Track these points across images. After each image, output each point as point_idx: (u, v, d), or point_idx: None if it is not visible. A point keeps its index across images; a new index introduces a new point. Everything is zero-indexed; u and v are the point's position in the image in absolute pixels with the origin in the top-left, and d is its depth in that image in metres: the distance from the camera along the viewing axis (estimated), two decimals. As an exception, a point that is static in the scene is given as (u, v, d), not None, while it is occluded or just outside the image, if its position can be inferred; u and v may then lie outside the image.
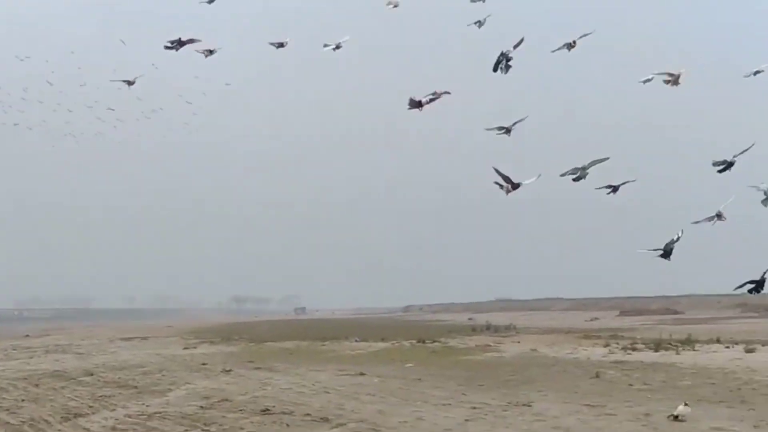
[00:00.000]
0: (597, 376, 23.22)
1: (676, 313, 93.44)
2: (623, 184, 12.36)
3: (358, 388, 21.25)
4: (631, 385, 21.35)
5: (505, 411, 17.05)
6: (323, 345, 40.20)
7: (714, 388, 20.18)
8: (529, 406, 17.75)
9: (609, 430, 14.44)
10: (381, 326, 67.94)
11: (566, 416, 16.06)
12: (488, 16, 14.35)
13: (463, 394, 20.02)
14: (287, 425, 15.46)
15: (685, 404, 15.28)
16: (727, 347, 32.37)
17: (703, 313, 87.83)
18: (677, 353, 30.59)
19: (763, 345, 31.84)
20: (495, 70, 12.90)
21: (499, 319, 74.55)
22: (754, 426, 14.54)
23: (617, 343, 36.01)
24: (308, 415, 16.69)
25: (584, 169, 12.19)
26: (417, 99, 13.47)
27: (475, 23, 14.31)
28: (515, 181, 11.88)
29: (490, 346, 37.96)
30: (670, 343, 33.94)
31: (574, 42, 13.46)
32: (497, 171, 11.75)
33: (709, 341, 35.12)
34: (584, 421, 15.45)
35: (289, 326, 74.23)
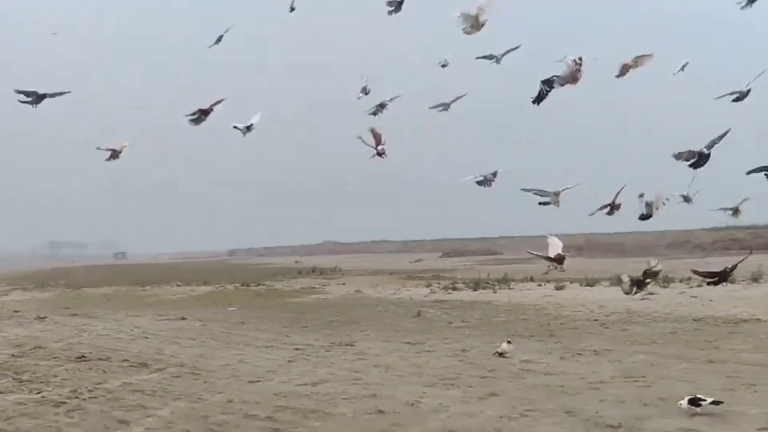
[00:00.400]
0: (418, 315, 23.84)
1: (495, 253, 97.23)
2: (619, 193, 11.14)
3: (178, 333, 20.84)
4: (450, 322, 22.05)
5: (328, 351, 17.20)
6: (143, 290, 39.20)
7: (526, 324, 21.19)
8: (352, 345, 17.99)
9: (428, 366, 14.83)
10: (204, 270, 67.02)
11: (387, 354, 16.39)
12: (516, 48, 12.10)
13: (286, 336, 20.05)
14: (104, 371, 14.92)
15: (508, 342, 15.90)
16: (540, 285, 34.08)
17: (520, 254, 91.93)
18: (494, 292, 31.92)
19: (571, 282, 33.69)
20: (538, 102, 10.41)
21: (325, 261, 75.22)
22: (561, 357, 15.36)
23: (439, 284, 37.16)
24: (126, 360, 16.18)
25: (556, 194, 11.26)
26: (376, 149, 11.81)
27: (491, 60, 12.38)
28: (554, 256, 11.07)
29: (315, 288, 38.23)
30: (487, 283, 35.38)
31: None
32: (532, 253, 11.04)
33: (524, 280, 36.88)
34: (404, 358, 15.81)
35: (108, 271, 71.93)
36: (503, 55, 12.08)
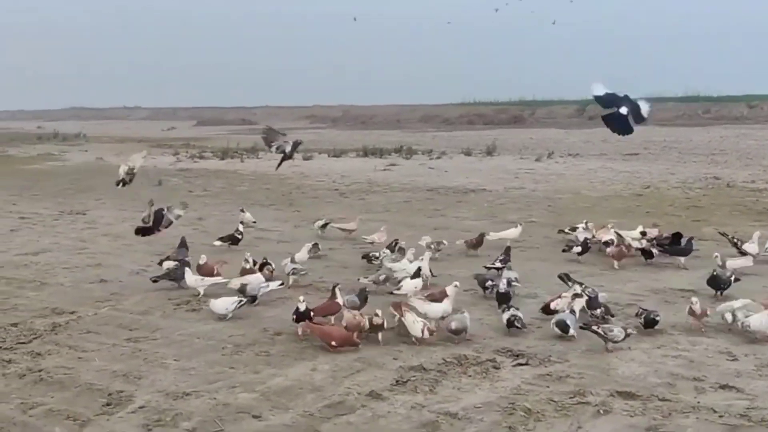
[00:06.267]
0: (159, 183, 23.27)
1: (251, 123, 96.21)
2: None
3: None
4: (191, 191, 21.75)
5: (56, 220, 16.54)
6: None
7: (268, 193, 21.37)
8: (84, 214, 17.42)
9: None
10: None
11: (119, 223, 15.93)
12: None
13: (13, 204, 19.00)
14: None
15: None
16: (288, 155, 34.23)
17: (277, 124, 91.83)
18: (242, 161, 31.73)
19: (320, 153, 34.20)
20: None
21: (70, 127, 71.01)
22: (295, 226, 15.65)
23: (187, 152, 36.38)
24: None
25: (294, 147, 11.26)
26: None
27: None
28: None
29: (54, 155, 36.25)
30: (236, 152, 35.06)
31: None
32: None
33: (273, 150, 36.88)
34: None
35: None
36: None
